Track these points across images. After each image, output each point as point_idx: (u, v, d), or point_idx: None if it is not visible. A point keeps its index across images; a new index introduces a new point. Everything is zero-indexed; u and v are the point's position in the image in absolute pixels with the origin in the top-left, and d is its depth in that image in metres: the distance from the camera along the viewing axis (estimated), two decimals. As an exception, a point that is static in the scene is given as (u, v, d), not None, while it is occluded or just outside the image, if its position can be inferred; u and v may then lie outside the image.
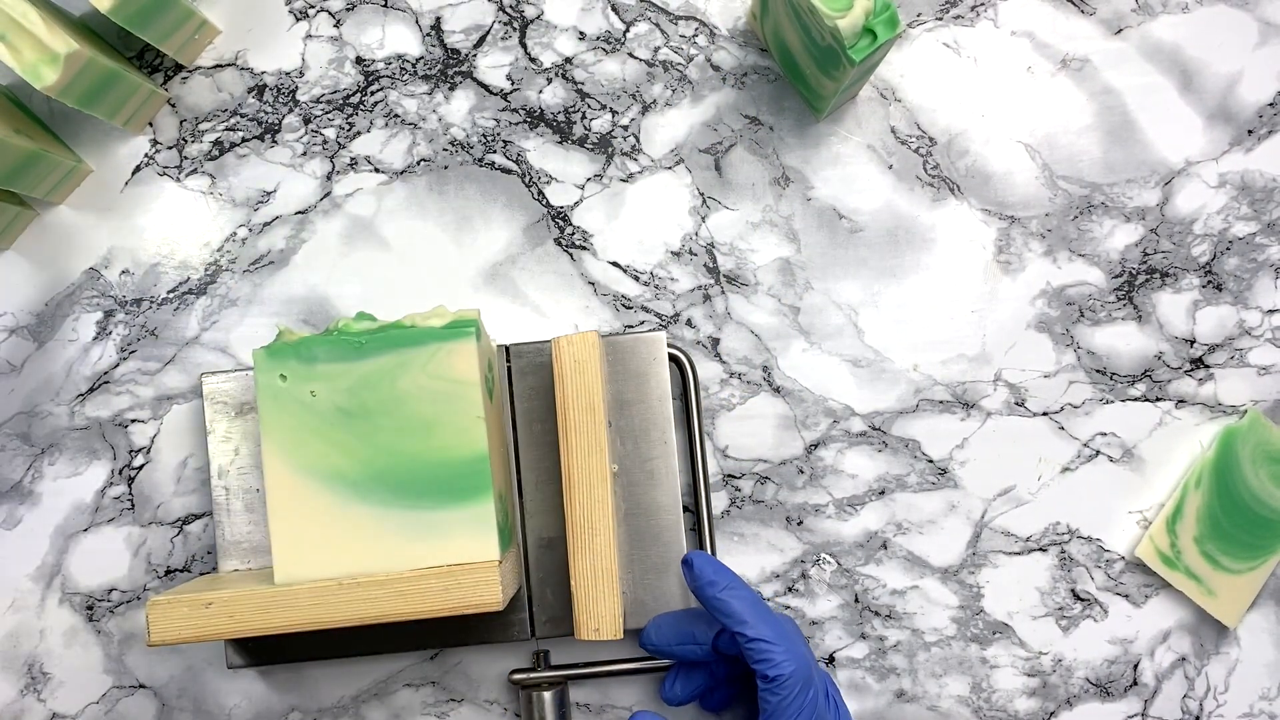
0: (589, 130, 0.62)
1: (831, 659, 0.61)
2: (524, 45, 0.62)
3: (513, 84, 0.62)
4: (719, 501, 0.61)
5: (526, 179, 0.62)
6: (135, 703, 0.61)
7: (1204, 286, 0.62)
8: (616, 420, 0.58)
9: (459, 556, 0.51)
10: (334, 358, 0.51)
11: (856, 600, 0.61)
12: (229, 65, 0.62)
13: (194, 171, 0.62)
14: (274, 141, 0.62)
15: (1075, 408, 0.62)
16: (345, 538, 0.51)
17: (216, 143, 0.62)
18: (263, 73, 0.62)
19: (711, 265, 0.62)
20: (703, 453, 0.60)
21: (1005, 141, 0.62)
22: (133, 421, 0.61)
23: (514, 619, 0.58)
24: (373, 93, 0.62)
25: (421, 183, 0.62)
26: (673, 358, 0.60)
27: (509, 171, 0.62)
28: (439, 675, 0.61)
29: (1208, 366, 0.62)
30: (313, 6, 0.62)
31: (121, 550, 0.61)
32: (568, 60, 0.62)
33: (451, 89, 0.62)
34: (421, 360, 0.51)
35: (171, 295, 0.61)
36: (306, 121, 0.62)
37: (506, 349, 0.59)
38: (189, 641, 0.49)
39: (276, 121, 0.62)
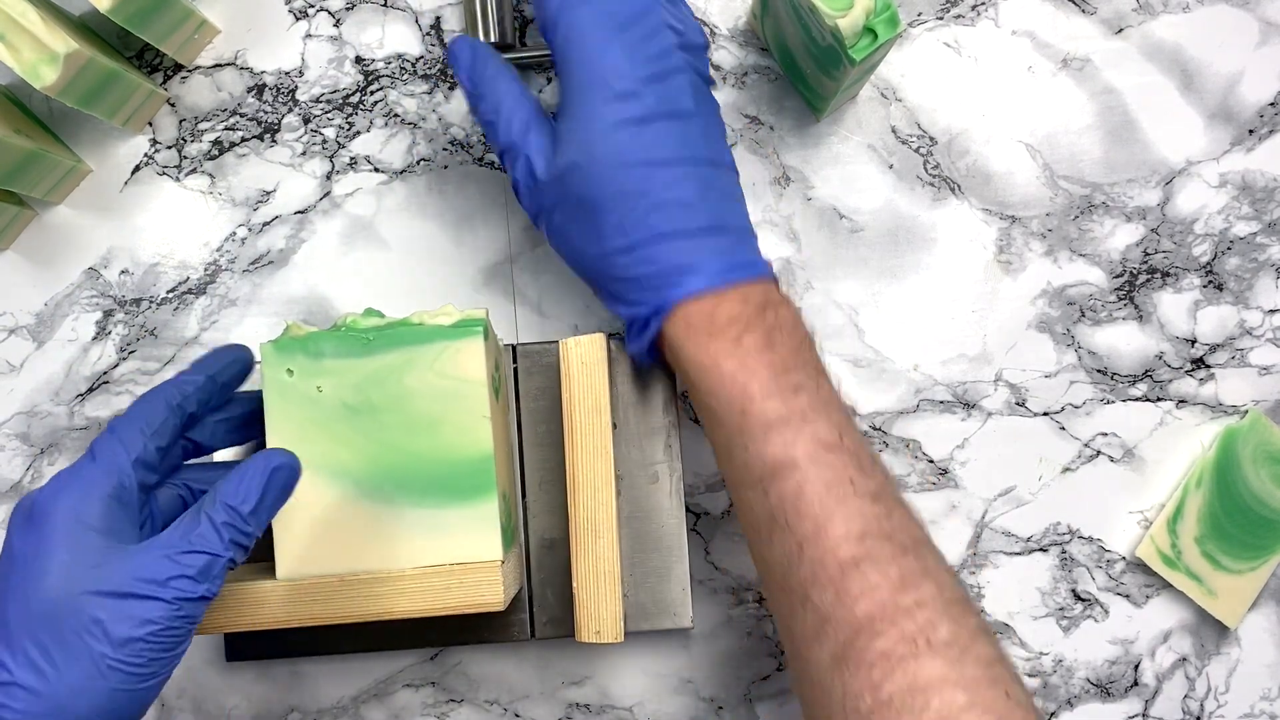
0: (590, 130, 0.62)
1: (833, 659, 0.61)
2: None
3: (513, 84, 0.62)
4: (720, 501, 0.61)
5: (527, 179, 0.62)
6: (134, 704, 0.61)
7: (1205, 286, 0.62)
8: (621, 423, 0.58)
9: (461, 555, 0.51)
10: (341, 353, 0.51)
11: (858, 600, 0.61)
12: (228, 65, 0.62)
13: (193, 171, 0.62)
14: (273, 141, 0.62)
15: (1076, 408, 0.62)
16: (348, 534, 0.51)
17: (216, 142, 0.62)
18: (262, 72, 0.62)
19: (712, 265, 0.61)
20: None
21: (1006, 141, 0.62)
22: (132, 422, 0.61)
23: (514, 619, 0.58)
24: (372, 92, 0.62)
25: (421, 182, 0.62)
26: None
27: (510, 171, 0.62)
28: (439, 675, 0.61)
29: (1209, 366, 0.62)
30: (312, 6, 0.62)
31: (120, 551, 0.61)
32: (568, 60, 0.62)
33: (451, 88, 0.62)
34: (429, 358, 0.51)
35: (171, 295, 0.61)
36: (306, 121, 0.62)
37: (514, 349, 0.58)
38: (189, 637, 0.49)
39: (276, 121, 0.62)
